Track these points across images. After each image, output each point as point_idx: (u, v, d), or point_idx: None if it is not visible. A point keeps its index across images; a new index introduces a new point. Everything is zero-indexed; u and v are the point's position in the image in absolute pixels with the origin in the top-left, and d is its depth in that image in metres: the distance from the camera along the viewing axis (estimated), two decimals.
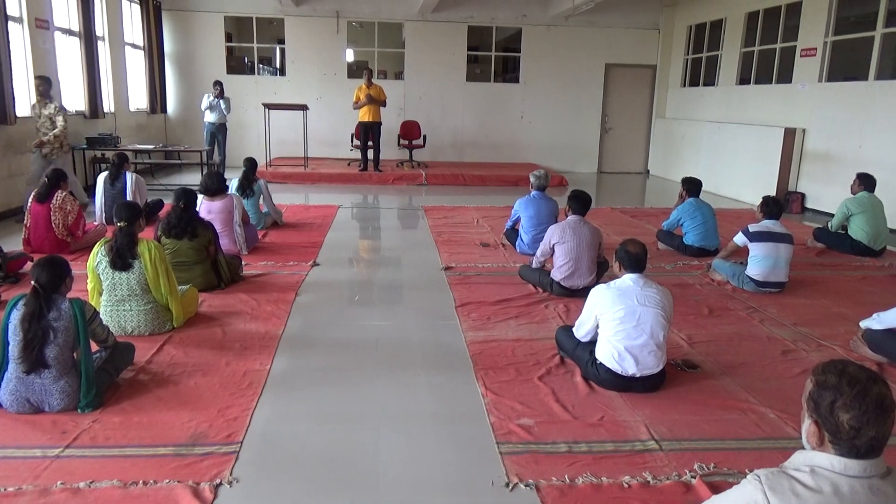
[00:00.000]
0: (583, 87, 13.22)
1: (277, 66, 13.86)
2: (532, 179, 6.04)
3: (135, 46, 11.31)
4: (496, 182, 11.19)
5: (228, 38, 12.91)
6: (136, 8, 11.29)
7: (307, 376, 3.42)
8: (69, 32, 8.91)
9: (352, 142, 11.82)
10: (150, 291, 3.82)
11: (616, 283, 3.30)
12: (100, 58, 9.53)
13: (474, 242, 6.52)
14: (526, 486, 2.45)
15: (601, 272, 4.88)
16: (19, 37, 7.61)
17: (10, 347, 2.85)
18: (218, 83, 10.54)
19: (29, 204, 5.69)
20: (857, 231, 6.32)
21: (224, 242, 5.21)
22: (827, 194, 8.66)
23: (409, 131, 12.34)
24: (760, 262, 4.98)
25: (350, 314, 4.53)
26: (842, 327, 4.28)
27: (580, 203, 4.85)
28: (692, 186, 6.27)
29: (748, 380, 3.45)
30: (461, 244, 6.43)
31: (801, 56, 9.26)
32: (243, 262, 5.26)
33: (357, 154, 11.52)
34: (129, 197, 6.67)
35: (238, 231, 5.60)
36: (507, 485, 2.47)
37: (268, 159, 11.25)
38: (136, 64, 11.40)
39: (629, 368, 3.17)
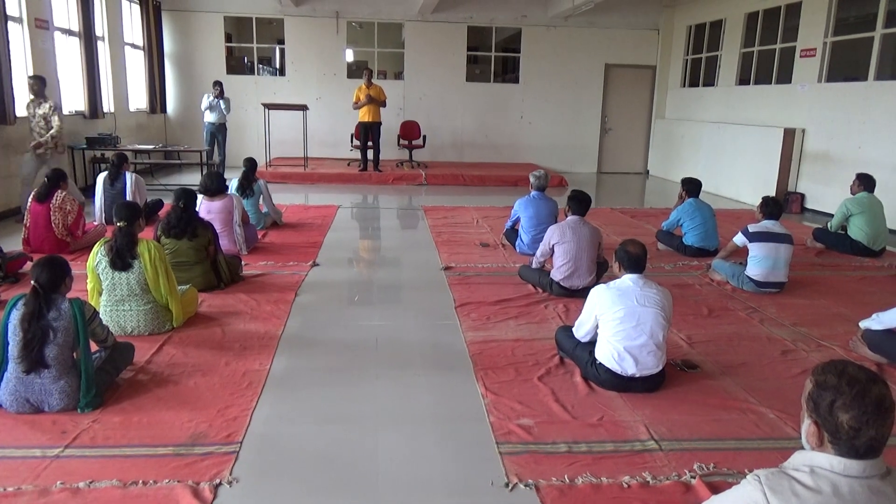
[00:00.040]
0: (582, 87, 13.22)
1: (277, 66, 13.85)
2: (532, 180, 6.05)
3: (135, 46, 11.31)
4: (496, 182, 11.19)
5: (228, 38, 12.92)
6: (136, 8, 11.29)
7: (307, 376, 3.42)
8: (69, 32, 8.91)
9: (351, 142, 11.82)
10: (149, 291, 3.82)
11: (616, 283, 3.30)
12: (100, 58, 9.53)
13: (474, 242, 6.52)
14: (525, 486, 2.45)
15: (601, 272, 4.88)
16: (19, 37, 7.61)
17: (9, 347, 2.85)
18: (218, 83, 10.54)
19: (29, 204, 5.69)
20: (857, 231, 6.32)
21: (224, 242, 5.22)
22: (826, 195, 8.66)
23: (409, 131, 12.35)
24: (760, 262, 4.99)
25: (350, 314, 4.53)
26: (841, 327, 4.28)
27: (580, 203, 4.85)
28: (692, 187, 6.28)
29: (748, 380, 3.45)
30: (461, 244, 6.44)
31: (801, 56, 9.27)
32: (243, 263, 5.26)
33: (357, 154, 11.53)
34: (128, 197, 6.67)
35: (238, 231, 5.60)
36: (507, 485, 2.47)
37: (267, 159, 11.25)
38: (136, 64, 11.40)
39: (629, 368, 3.17)
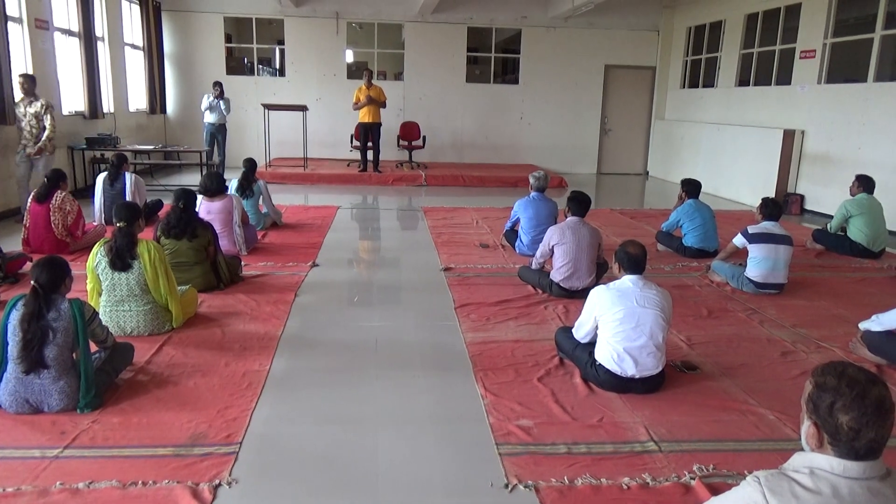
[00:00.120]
0: (582, 88, 13.23)
1: (277, 66, 13.86)
2: (531, 180, 6.05)
3: (134, 47, 11.31)
4: (495, 183, 11.19)
5: (228, 38, 12.92)
6: (136, 8, 11.29)
7: (306, 377, 3.42)
8: (69, 33, 8.91)
9: (351, 143, 11.82)
10: (149, 292, 3.82)
11: (615, 284, 3.30)
12: (99, 58, 9.53)
13: (474, 243, 6.52)
14: (525, 487, 2.45)
15: (600, 273, 4.88)
16: (19, 37, 7.61)
17: (9, 347, 2.84)
18: (218, 84, 10.55)
19: (28, 204, 5.69)
20: (856, 233, 6.32)
21: (223, 243, 5.21)
22: (826, 196, 8.67)
23: (409, 132, 12.35)
24: (760, 263, 4.99)
25: (349, 315, 4.52)
26: (841, 329, 4.28)
27: (579, 204, 4.85)
28: (691, 188, 6.28)
29: (747, 381, 3.45)
30: (460, 245, 6.44)
31: (801, 58, 9.28)
32: (243, 263, 5.26)
33: (356, 155, 11.53)
34: (128, 197, 6.66)
35: (237, 232, 5.60)
36: (507, 486, 2.47)
37: (267, 160, 11.25)
38: (136, 64, 11.40)
39: (628, 370, 3.17)
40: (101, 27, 9.82)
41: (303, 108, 11.06)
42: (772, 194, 8.85)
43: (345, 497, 2.41)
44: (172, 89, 12.57)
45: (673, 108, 13.02)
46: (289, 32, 12.56)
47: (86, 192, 8.19)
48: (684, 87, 12.73)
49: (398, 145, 12.12)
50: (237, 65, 13.30)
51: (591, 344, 3.37)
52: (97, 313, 3.17)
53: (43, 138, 6.88)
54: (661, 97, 13.26)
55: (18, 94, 7.06)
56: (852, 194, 6.50)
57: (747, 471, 2.16)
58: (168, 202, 5.48)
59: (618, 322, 3.16)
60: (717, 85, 11.53)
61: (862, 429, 1.46)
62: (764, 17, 10.24)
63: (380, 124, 10.84)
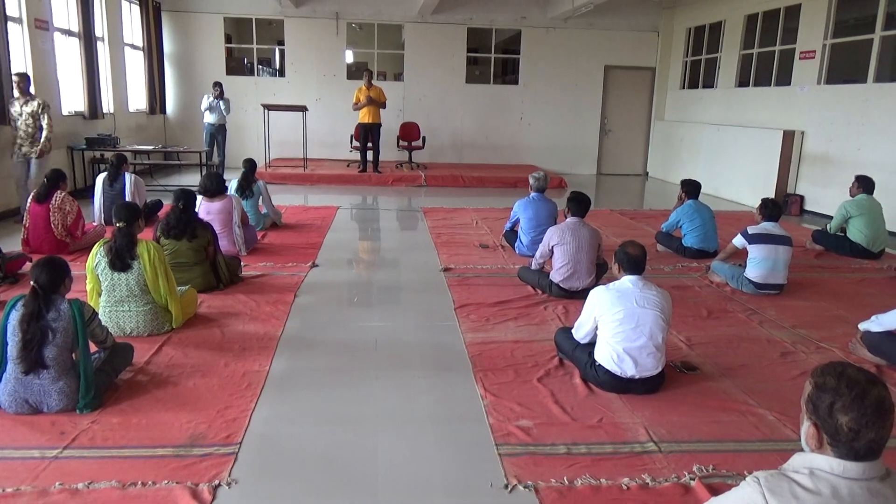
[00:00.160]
0: (582, 89, 13.23)
1: (277, 67, 13.86)
2: (531, 181, 6.05)
3: (134, 47, 11.31)
4: (495, 184, 11.19)
5: (228, 39, 12.92)
6: (136, 9, 11.29)
7: (306, 377, 3.42)
8: (69, 33, 8.91)
9: (351, 143, 11.83)
10: (149, 292, 3.82)
11: (615, 284, 3.30)
12: (99, 58, 9.53)
13: (473, 244, 6.52)
14: (525, 487, 2.45)
15: (600, 274, 4.88)
16: (19, 37, 7.61)
17: (8, 348, 2.84)
18: (218, 84, 10.55)
19: (28, 204, 5.68)
20: (856, 233, 6.32)
21: (223, 243, 5.21)
22: (826, 197, 8.67)
23: (409, 133, 12.34)
24: (759, 264, 4.99)
25: (349, 315, 4.52)
26: (840, 329, 4.28)
27: (579, 205, 4.85)
28: (691, 188, 6.28)
29: (747, 382, 3.45)
30: (460, 245, 6.44)
31: (800, 58, 9.28)
32: (242, 263, 5.26)
33: (356, 155, 11.53)
34: (128, 198, 6.66)
35: (237, 232, 5.60)
36: (506, 486, 2.47)
37: (267, 160, 11.24)
38: (136, 65, 11.40)
39: (628, 370, 3.17)
40: (100, 27, 9.82)
41: (303, 109, 11.06)
42: (771, 195, 8.86)
43: (345, 497, 2.41)
44: (172, 89, 12.57)
45: (673, 108, 13.02)
46: (289, 33, 12.56)
47: (85, 193, 8.19)
48: (684, 87, 12.74)
49: (398, 146, 12.12)
50: (237, 65, 13.30)
51: (591, 344, 3.37)
52: (97, 314, 3.16)
53: (42, 139, 6.84)
54: (660, 98, 13.26)
55: (13, 94, 6.96)
56: (852, 195, 6.50)
57: (747, 471, 2.16)
58: (168, 202, 5.48)
59: (617, 322, 3.16)
60: (716, 85, 11.53)
61: (861, 429, 1.46)
62: (764, 17, 10.25)
63: (380, 125, 10.84)
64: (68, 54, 8.92)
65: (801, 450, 1.60)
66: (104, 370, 3.08)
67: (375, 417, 3.01)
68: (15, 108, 6.85)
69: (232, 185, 6.36)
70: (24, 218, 5.71)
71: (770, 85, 10.09)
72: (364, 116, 10.71)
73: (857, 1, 8.97)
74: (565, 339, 3.56)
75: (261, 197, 6.76)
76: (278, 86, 12.86)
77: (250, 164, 6.83)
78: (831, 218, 6.75)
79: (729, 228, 6.63)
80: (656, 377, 3.24)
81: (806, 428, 1.56)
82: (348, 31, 12.83)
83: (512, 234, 6.20)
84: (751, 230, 5.12)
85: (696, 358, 3.75)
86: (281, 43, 12.89)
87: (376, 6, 12.42)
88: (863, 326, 3.85)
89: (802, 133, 9.19)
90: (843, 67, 8.98)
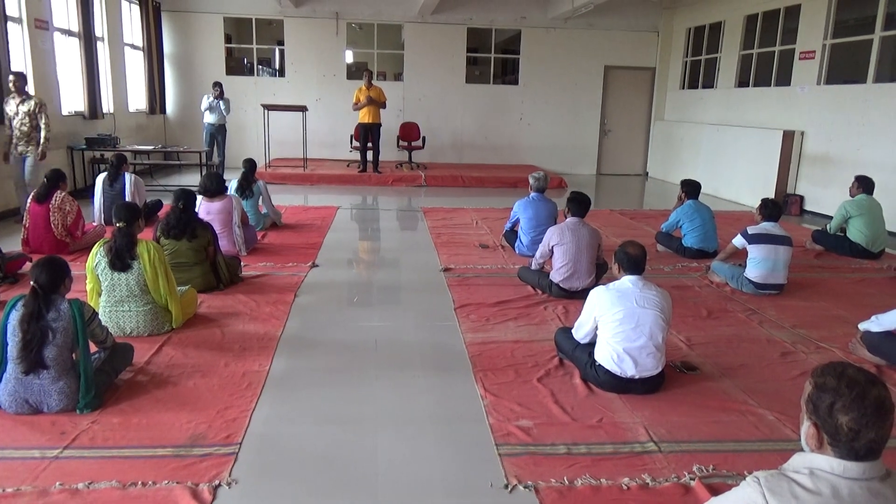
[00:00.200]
0: (582, 89, 13.23)
1: (277, 67, 13.86)
2: (531, 181, 6.05)
3: (134, 47, 11.31)
4: (495, 184, 11.19)
5: (228, 39, 12.92)
6: (136, 9, 11.29)
7: (306, 377, 3.42)
8: (69, 33, 8.91)
9: (351, 143, 11.83)
10: (149, 292, 3.82)
11: (615, 284, 3.30)
12: (99, 58, 9.53)
13: (473, 244, 6.52)
14: (525, 487, 2.45)
15: (600, 274, 4.88)
16: (19, 37, 7.61)
17: (8, 348, 2.84)
18: (217, 84, 10.55)
19: (28, 204, 5.68)
20: (856, 233, 6.33)
21: (223, 243, 5.21)
22: (826, 197, 8.67)
23: (409, 133, 12.35)
24: (759, 264, 4.99)
25: (349, 315, 4.52)
26: (840, 329, 4.28)
27: (579, 205, 4.85)
28: (691, 188, 6.28)
29: (747, 382, 3.45)
30: (460, 245, 6.44)
31: (800, 59, 9.28)
32: (242, 263, 5.26)
33: (356, 155, 11.53)
34: (127, 198, 6.66)
35: (237, 232, 5.60)
36: (506, 486, 2.47)
37: (267, 160, 11.25)
38: (136, 65, 11.40)
39: (628, 370, 3.17)
40: (100, 27, 9.82)
41: (302, 109, 11.06)
42: (771, 195, 8.86)
43: (345, 497, 2.41)
44: (172, 89, 12.57)
45: (672, 108, 13.02)
46: (289, 33, 12.56)
47: (85, 193, 8.19)
48: (684, 87, 12.74)
49: (398, 146, 12.12)
50: (237, 65, 13.30)
51: (591, 344, 3.37)
52: (97, 314, 3.16)
53: (42, 139, 6.82)
54: (660, 98, 13.26)
55: (11, 93, 6.85)
56: (852, 195, 6.50)
57: (747, 471, 2.16)
58: (168, 202, 5.48)
59: (617, 322, 3.16)
60: (716, 86, 11.53)
61: (861, 429, 1.46)
62: (763, 18, 10.25)
63: (380, 125, 10.84)
64: (68, 54, 8.93)
65: (801, 450, 1.61)
66: (104, 370, 3.09)
67: (375, 417, 3.01)
68: (10, 107, 6.81)
69: (232, 185, 6.36)
70: (24, 218, 5.71)
71: (770, 85, 10.09)
72: (364, 116, 10.71)
73: (857, 1, 8.97)
74: (565, 339, 3.56)
75: (261, 197, 6.76)
76: (278, 86, 12.86)
77: (250, 164, 6.83)
78: (831, 218, 6.75)
79: (729, 229, 6.63)
80: (656, 377, 3.24)
81: (806, 428, 1.57)
82: (348, 31, 12.83)
83: (512, 234, 6.21)
84: (751, 230, 5.12)
85: (696, 358, 3.75)
86: (281, 43, 12.89)
87: (376, 6, 12.42)
88: (863, 326, 3.85)
89: (802, 133, 9.19)
90: (843, 68, 8.98)
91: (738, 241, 5.17)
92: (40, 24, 7.93)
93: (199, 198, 5.40)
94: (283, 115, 11.50)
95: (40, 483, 2.38)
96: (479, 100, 13.14)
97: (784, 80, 9.69)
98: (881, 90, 7.92)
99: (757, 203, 5.36)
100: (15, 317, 2.83)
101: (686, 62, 12.59)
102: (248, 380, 3.31)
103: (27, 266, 4.87)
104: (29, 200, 5.70)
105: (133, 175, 6.98)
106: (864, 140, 8.13)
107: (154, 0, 11.63)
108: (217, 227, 5.15)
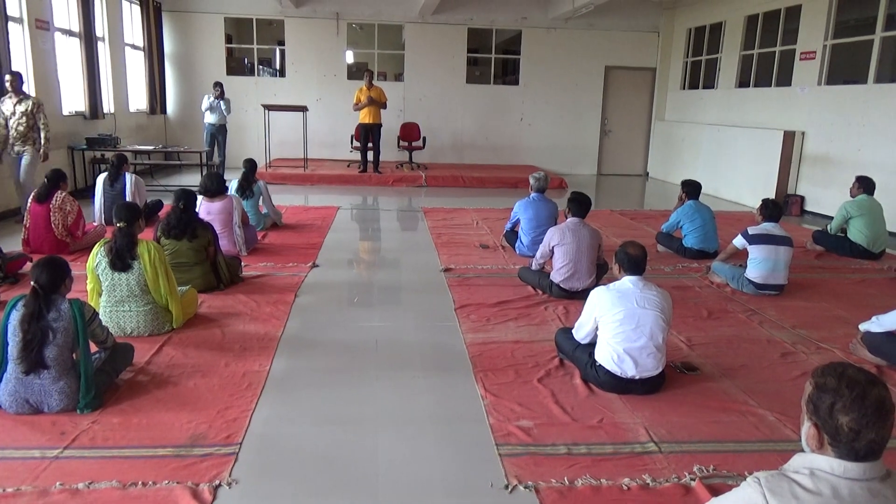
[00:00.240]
0: (582, 89, 13.23)
1: (277, 67, 13.86)
2: (531, 181, 6.05)
3: (135, 47, 11.31)
4: (496, 184, 11.19)
5: (228, 39, 12.92)
6: (137, 9, 11.30)
7: (306, 377, 3.42)
8: (69, 33, 8.92)
9: (351, 143, 11.83)
10: (149, 292, 3.82)
11: (615, 285, 3.30)
12: (100, 58, 9.54)
13: (474, 244, 6.52)
14: (525, 487, 2.45)
15: (600, 274, 4.88)
16: (19, 37, 7.61)
17: (9, 348, 2.84)
18: (218, 84, 10.55)
19: (28, 204, 5.69)
20: (857, 234, 6.32)
21: (223, 243, 5.21)
22: (826, 197, 8.67)
23: (409, 133, 12.35)
24: (760, 264, 4.99)
25: (349, 315, 4.52)
26: (841, 330, 4.28)
27: (580, 205, 4.85)
28: (692, 189, 6.28)
29: (747, 382, 3.45)
30: (460, 246, 6.44)
31: (801, 59, 9.28)
32: (243, 264, 5.26)
33: (357, 155, 11.53)
34: (128, 198, 6.66)
35: (237, 232, 5.60)
36: (507, 486, 2.47)
37: (267, 160, 11.25)
38: (136, 65, 11.41)
39: (628, 370, 3.17)
40: (101, 27, 9.82)
41: (303, 109, 11.07)
42: (772, 195, 8.86)
43: (345, 497, 2.41)
44: (173, 90, 12.58)
45: (673, 109, 13.02)
46: (289, 33, 12.57)
47: (86, 193, 8.19)
48: (684, 88, 12.73)
49: (398, 146, 12.12)
50: (237, 65, 13.30)
51: (591, 345, 3.37)
52: (97, 314, 3.16)
53: (42, 139, 6.84)
54: (661, 98, 13.26)
55: (8, 92, 6.84)
56: (852, 195, 6.50)
57: (747, 472, 2.16)
58: (168, 203, 5.48)
59: (618, 323, 3.16)
60: (717, 86, 11.53)
61: (862, 430, 1.46)
62: (764, 18, 10.25)
63: (380, 125, 10.85)
64: (69, 54, 8.93)
65: (802, 450, 1.61)
66: (105, 370, 3.09)
67: (375, 417, 3.01)
68: (6, 107, 6.80)
69: (232, 186, 6.36)
70: (25, 218, 5.72)
71: (770, 85, 10.09)
72: (364, 117, 10.71)
73: (858, 2, 8.98)
74: (566, 339, 3.56)
75: (261, 197, 6.76)
76: (279, 86, 12.86)
77: (251, 165, 6.83)
78: (832, 218, 6.75)
79: (729, 229, 6.63)
80: (657, 377, 3.24)
81: (806, 428, 1.57)
82: (349, 31, 12.83)
83: (512, 235, 6.21)
84: (751, 231, 5.12)
85: (697, 358, 3.75)
86: (281, 43, 12.89)
87: (376, 6, 12.42)
88: (863, 327, 3.85)
89: (803, 134, 9.19)
90: (844, 68, 8.98)
91: (739, 241, 5.17)
92: (41, 25, 7.94)
93: (200, 198, 5.40)
94: (284, 115, 11.50)
95: (40, 483, 2.38)
96: (479, 100, 13.14)
97: (785, 80, 9.69)
98: (882, 91, 7.92)
99: (757, 203, 5.36)
100: (15, 317, 2.83)
101: (686, 62, 12.59)
102: (248, 380, 3.31)
103: (28, 266, 4.87)
104: (29, 200, 5.70)
105: (133, 175, 6.98)
106: (864, 140, 8.13)
107: (155, 0, 11.64)
108: (217, 228, 5.15)
